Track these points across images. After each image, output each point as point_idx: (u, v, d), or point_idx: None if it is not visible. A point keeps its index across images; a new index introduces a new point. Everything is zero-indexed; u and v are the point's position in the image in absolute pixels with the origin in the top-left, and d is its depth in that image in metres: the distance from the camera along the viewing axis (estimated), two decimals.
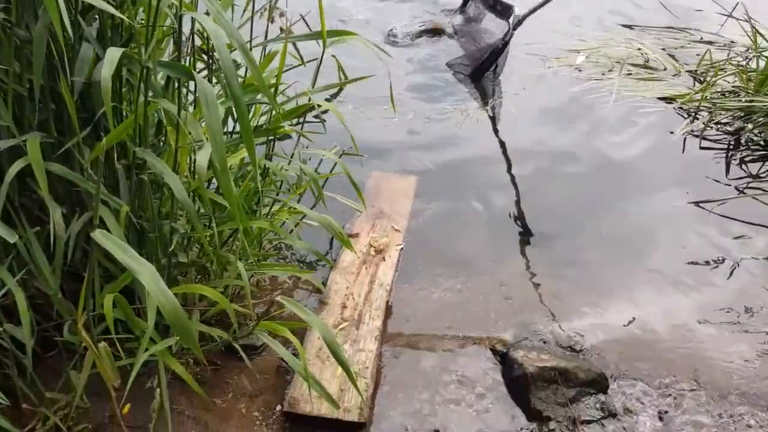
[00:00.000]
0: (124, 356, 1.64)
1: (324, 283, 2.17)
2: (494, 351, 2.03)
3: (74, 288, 1.64)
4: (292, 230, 2.07)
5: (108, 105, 1.18)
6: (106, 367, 1.52)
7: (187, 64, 1.60)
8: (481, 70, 3.59)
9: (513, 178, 2.89)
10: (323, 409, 1.75)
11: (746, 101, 3.28)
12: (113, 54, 1.20)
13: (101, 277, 1.64)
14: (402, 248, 2.38)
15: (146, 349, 1.50)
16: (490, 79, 3.62)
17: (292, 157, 1.99)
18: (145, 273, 1.18)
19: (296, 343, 1.67)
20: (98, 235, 1.21)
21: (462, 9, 4.24)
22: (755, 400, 1.91)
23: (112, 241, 1.21)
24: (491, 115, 3.36)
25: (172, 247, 1.59)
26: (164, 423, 1.62)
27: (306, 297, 2.18)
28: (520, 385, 1.87)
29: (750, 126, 3.19)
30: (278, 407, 1.80)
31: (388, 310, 2.14)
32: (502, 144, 3.15)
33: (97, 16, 1.49)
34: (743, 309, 2.24)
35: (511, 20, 3.51)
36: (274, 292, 2.15)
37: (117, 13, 1.26)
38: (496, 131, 3.26)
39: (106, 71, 1.23)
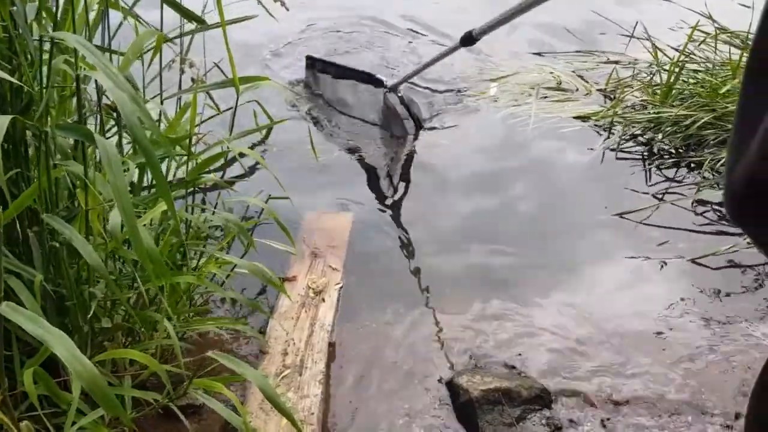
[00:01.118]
0: None
1: (263, 332, 2.13)
2: (440, 381, 2.02)
3: None
4: (223, 282, 2.03)
5: (1, 178, 1.14)
6: None
7: (96, 122, 1.57)
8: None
9: (446, 208, 2.93)
10: None
11: (654, 113, 3.46)
12: (2, 120, 1.16)
13: (21, 352, 1.56)
14: (341, 287, 2.36)
15: (74, 423, 1.43)
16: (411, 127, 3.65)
17: (216, 208, 1.96)
18: (58, 342, 1.13)
19: (233, 397, 1.62)
20: (5, 308, 1.16)
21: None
22: (694, 400, 1.96)
23: (21, 314, 1.15)
24: (418, 149, 3.42)
25: (92, 312, 1.53)
26: None
27: (246, 348, 2.13)
28: (467, 410, 1.88)
29: (660, 136, 3.36)
30: None
31: (331, 352, 2.11)
32: (432, 176, 3.20)
33: None
34: (674, 312, 2.31)
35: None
36: (212, 346, 2.09)
37: (8, 77, 1.22)
38: (425, 164, 3.31)
39: None
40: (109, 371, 1.69)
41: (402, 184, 3.11)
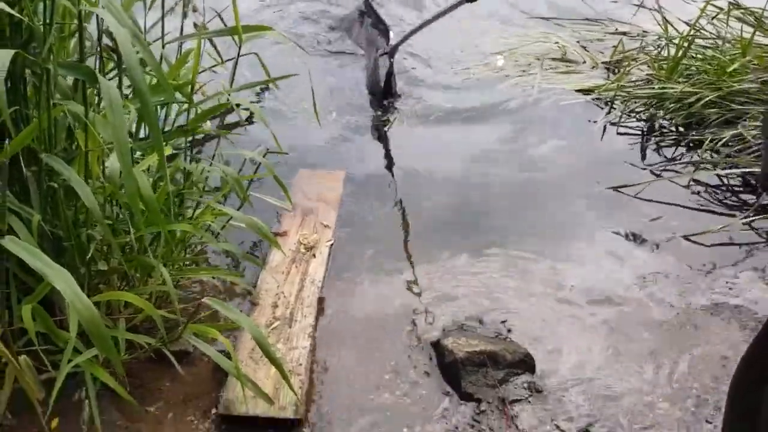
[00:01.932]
0: (52, 370, 1.60)
1: (254, 284, 2.16)
2: (427, 341, 2.06)
3: None
4: (218, 233, 2.05)
5: (4, 109, 1.15)
6: (29, 380, 1.48)
7: (96, 63, 1.57)
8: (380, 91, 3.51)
9: (441, 172, 2.95)
10: (259, 409, 1.74)
11: (658, 89, 3.44)
12: (3, 56, 1.17)
13: (19, 291, 1.59)
14: (332, 244, 2.39)
15: (70, 360, 1.47)
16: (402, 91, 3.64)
17: (213, 159, 1.97)
18: (58, 277, 1.16)
19: (227, 343, 1.66)
20: (7, 242, 1.18)
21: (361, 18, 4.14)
22: (678, 358, 2.01)
23: (23, 247, 1.18)
24: (417, 114, 3.41)
25: (90, 254, 1.56)
26: None
27: (237, 299, 2.17)
28: (452, 370, 1.92)
29: (661, 113, 3.35)
30: (213, 411, 1.78)
31: (321, 307, 2.15)
32: (429, 140, 3.21)
33: None
34: (663, 283, 2.34)
35: (387, 45, 3.52)
36: (203, 297, 2.12)
37: (8, 9, 1.21)
38: (422, 130, 3.31)
39: None
40: (103, 313, 1.73)
41: (396, 147, 3.12)
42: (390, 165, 2.99)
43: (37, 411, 1.52)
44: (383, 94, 3.45)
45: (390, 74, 3.41)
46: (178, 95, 1.73)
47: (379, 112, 3.37)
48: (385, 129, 3.26)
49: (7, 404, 1.54)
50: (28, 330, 1.42)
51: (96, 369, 1.58)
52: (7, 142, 1.16)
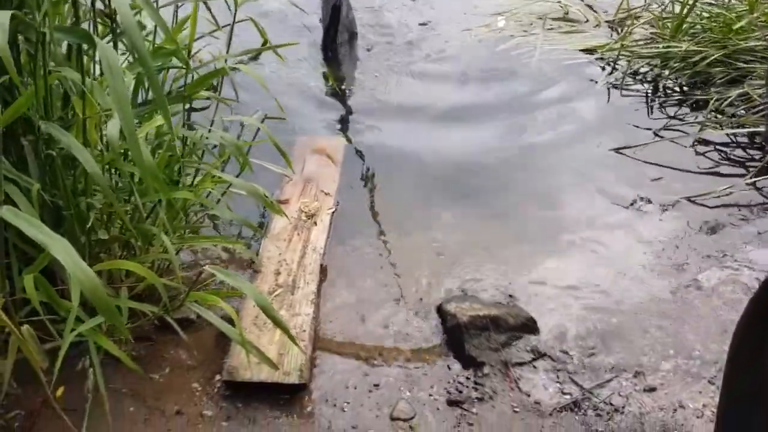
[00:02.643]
0: (55, 338, 1.60)
1: (257, 252, 2.16)
2: (429, 305, 2.07)
3: None
4: (218, 200, 2.04)
5: (13, 72, 1.12)
6: (32, 350, 1.48)
7: (90, 29, 1.53)
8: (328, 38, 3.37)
9: (441, 135, 2.92)
10: (263, 375, 1.75)
11: (663, 48, 3.39)
12: (2, 17, 1.13)
13: (19, 261, 1.58)
14: (333, 211, 2.38)
15: (73, 329, 1.47)
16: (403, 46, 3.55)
17: (212, 125, 1.95)
18: (58, 246, 1.14)
19: (230, 310, 1.66)
20: (5, 212, 1.16)
21: None
22: (680, 329, 2.01)
23: (21, 217, 1.16)
24: (417, 75, 3.37)
25: (90, 223, 1.54)
26: (101, 403, 1.59)
27: (239, 267, 2.16)
28: (455, 334, 1.92)
29: (666, 72, 3.30)
30: (218, 377, 1.79)
31: (323, 274, 2.15)
32: (429, 103, 3.16)
33: None
34: (668, 248, 2.33)
35: None
36: (206, 265, 2.12)
37: None
38: (422, 90, 3.27)
39: (1, 38, 1.16)
40: (105, 283, 1.72)
41: (397, 112, 3.08)
42: (391, 130, 2.95)
43: (41, 380, 1.53)
44: (324, 38, 3.27)
45: (336, 9, 3.17)
46: (174, 61, 1.69)
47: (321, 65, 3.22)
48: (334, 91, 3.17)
49: (11, 373, 1.55)
50: (32, 299, 1.41)
51: (99, 337, 1.58)
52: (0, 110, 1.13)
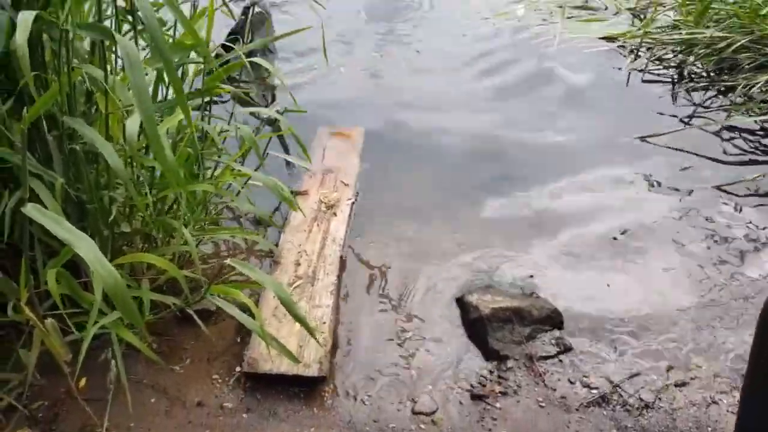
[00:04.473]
0: (77, 332, 1.62)
1: (276, 244, 2.16)
2: (451, 297, 2.05)
3: (17, 266, 1.59)
4: (238, 193, 2.04)
5: (27, 71, 1.13)
6: (55, 343, 1.50)
7: (112, 26, 1.54)
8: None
9: (460, 124, 2.90)
10: (283, 367, 1.75)
11: (686, 34, 3.32)
12: (26, 17, 1.14)
13: (43, 254, 1.60)
14: (353, 202, 2.37)
15: (96, 322, 1.48)
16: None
17: (232, 118, 1.94)
18: (82, 244, 1.15)
19: (249, 303, 1.66)
20: (30, 209, 1.17)
21: None
22: (703, 319, 1.98)
23: (45, 215, 1.17)
24: (429, 62, 3.34)
25: (112, 216, 1.55)
26: (122, 393, 1.61)
27: (259, 259, 2.17)
28: (477, 327, 1.91)
29: (692, 59, 3.24)
30: (238, 369, 1.80)
31: (343, 265, 2.14)
32: (448, 91, 3.14)
33: None
34: (696, 239, 2.29)
35: None
36: (226, 257, 2.13)
37: None
38: (441, 79, 3.24)
39: (20, 36, 1.17)
40: (127, 275, 1.74)
41: (415, 101, 3.06)
42: (410, 120, 2.93)
43: (64, 371, 1.54)
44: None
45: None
46: (193, 55, 1.69)
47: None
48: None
49: (35, 365, 1.57)
50: (53, 295, 1.43)
51: (121, 330, 1.59)
52: (25, 110, 1.14)
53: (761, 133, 2.79)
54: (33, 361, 1.53)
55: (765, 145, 2.74)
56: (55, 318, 1.52)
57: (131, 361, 1.75)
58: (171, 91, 1.81)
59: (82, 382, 1.69)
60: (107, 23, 1.56)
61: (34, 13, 1.19)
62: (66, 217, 1.45)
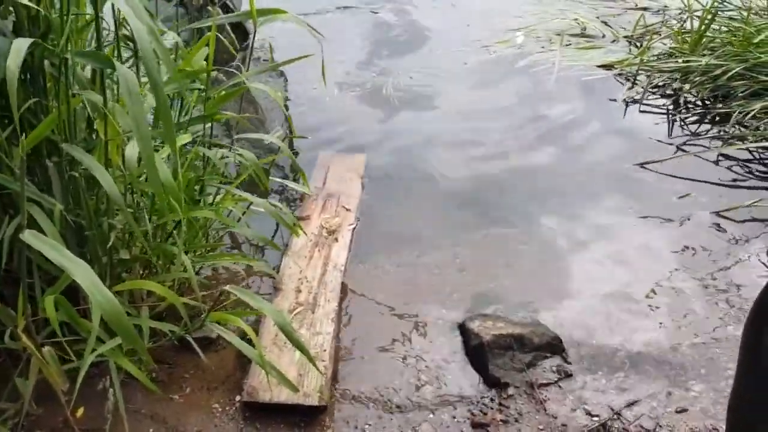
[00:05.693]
0: (77, 360, 1.60)
1: (277, 269, 2.15)
2: (452, 324, 2.04)
3: (15, 293, 1.58)
4: (239, 218, 2.04)
5: (13, 98, 1.13)
6: (52, 372, 1.48)
7: (114, 53, 1.55)
8: None
9: (462, 152, 2.91)
10: (283, 396, 1.73)
11: (682, 62, 3.36)
12: (20, 44, 1.15)
13: (42, 281, 1.59)
14: (354, 228, 2.37)
15: (94, 350, 1.47)
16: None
17: (233, 144, 1.95)
18: (79, 271, 1.14)
19: (249, 331, 1.64)
20: (28, 236, 1.16)
21: None
22: (703, 346, 1.96)
23: (43, 241, 1.16)
24: (433, 91, 3.37)
25: (111, 243, 1.55)
26: (120, 423, 1.59)
27: (260, 285, 2.16)
28: (478, 353, 1.89)
29: (687, 86, 3.27)
30: (237, 398, 1.78)
31: (344, 291, 2.13)
32: (449, 119, 3.16)
33: (12, 8, 1.43)
34: (696, 268, 2.28)
35: None
36: (226, 283, 2.11)
37: (26, 1, 1.20)
38: (442, 106, 3.27)
39: (12, 62, 1.18)
40: (126, 302, 1.72)
41: (414, 129, 3.08)
42: (411, 148, 2.95)
43: (61, 400, 1.52)
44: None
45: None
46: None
47: None
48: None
49: (32, 394, 1.55)
50: (51, 321, 1.41)
51: (120, 358, 1.57)
52: (23, 136, 1.14)
53: (755, 161, 2.82)
54: (30, 390, 1.51)
55: (759, 172, 2.76)
56: (53, 346, 1.50)
57: (130, 389, 1.73)
58: (179, 111, 1.83)
59: (80, 411, 1.67)
60: (109, 48, 1.58)
61: (29, 40, 1.20)
62: (65, 243, 1.44)
